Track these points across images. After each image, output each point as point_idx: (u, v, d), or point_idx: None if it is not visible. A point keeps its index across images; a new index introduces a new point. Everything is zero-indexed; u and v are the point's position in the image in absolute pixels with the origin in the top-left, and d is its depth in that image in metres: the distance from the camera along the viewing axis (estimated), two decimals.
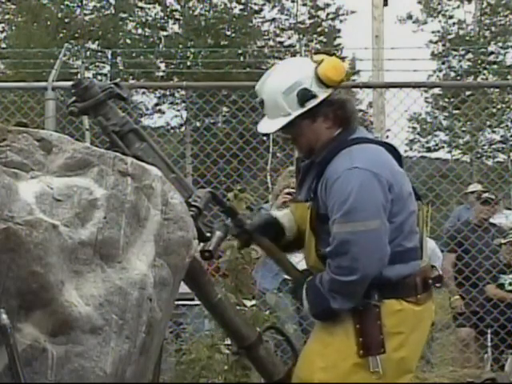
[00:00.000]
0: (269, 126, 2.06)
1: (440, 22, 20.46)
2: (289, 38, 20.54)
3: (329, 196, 1.95)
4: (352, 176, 1.92)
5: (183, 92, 15.61)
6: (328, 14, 20.36)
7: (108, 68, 18.32)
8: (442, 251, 4.85)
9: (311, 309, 2.01)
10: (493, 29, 19.72)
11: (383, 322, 1.93)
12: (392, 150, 2.07)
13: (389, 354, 1.93)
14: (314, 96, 1.98)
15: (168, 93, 18.27)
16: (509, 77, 17.50)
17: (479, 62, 18.75)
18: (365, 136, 2.08)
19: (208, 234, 1.90)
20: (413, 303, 1.98)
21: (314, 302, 1.99)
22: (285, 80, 2.01)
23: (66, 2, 19.00)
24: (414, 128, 18.48)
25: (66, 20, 18.57)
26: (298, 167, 2.17)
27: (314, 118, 2.01)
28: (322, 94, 1.99)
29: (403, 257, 1.97)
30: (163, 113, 18.97)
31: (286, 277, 2.71)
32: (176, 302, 1.87)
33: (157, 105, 19.04)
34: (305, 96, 1.98)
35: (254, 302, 3.39)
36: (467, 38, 19.76)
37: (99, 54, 18.80)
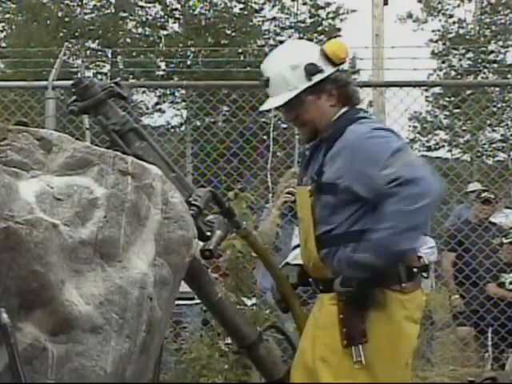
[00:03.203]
0: (274, 101, 2.08)
1: (440, 20, 20.44)
2: (289, 36, 20.50)
3: (355, 157, 1.96)
4: (380, 132, 2.01)
5: (183, 91, 15.60)
6: (328, 13, 20.32)
7: (108, 67, 18.29)
8: (443, 250, 4.85)
9: (384, 262, 1.93)
10: (493, 28, 19.70)
11: (367, 312, 1.93)
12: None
13: (376, 343, 1.92)
14: (321, 71, 2.05)
15: (168, 92, 18.27)
16: (509, 76, 17.44)
17: (479, 60, 18.74)
18: (369, 116, 2.15)
19: (208, 233, 1.90)
20: (398, 292, 1.98)
21: (383, 256, 1.91)
22: (292, 55, 2.08)
23: (66, 1, 18.98)
24: (415, 127, 18.46)
25: (66, 19, 18.55)
26: (303, 153, 2.22)
27: (318, 95, 2.06)
28: (328, 70, 2.06)
29: None
30: (163, 112, 18.96)
31: None
32: (176, 302, 1.87)
33: (157, 104, 19.02)
34: (312, 70, 2.04)
35: (254, 300, 3.39)
36: (467, 36, 19.75)
37: (99, 53, 18.78)
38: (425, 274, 2.04)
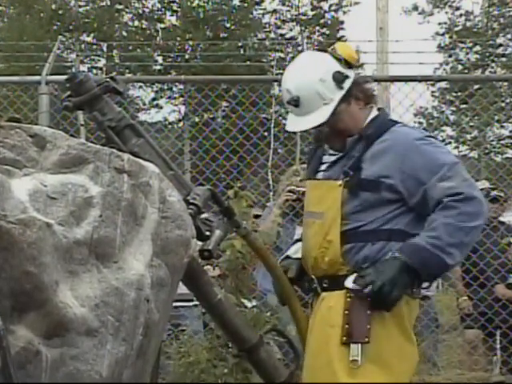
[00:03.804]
0: (313, 118, 2.04)
1: (447, 13, 20.28)
2: (290, 30, 20.46)
3: (407, 159, 1.97)
4: (434, 141, 2.06)
5: (181, 86, 15.59)
6: (331, 5, 20.22)
7: (103, 61, 18.26)
8: None
9: (433, 273, 1.97)
10: (501, 20, 19.52)
11: (379, 313, 1.92)
12: None
13: (384, 344, 1.92)
14: (347, 76, 2.05)
15: (166, 87, 18.23)
16: None
17: (487, 54, 18.65)
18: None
19: (207, 233, 1.87)
20: (408, 296, 1.97)
21: (431, 265, 1.93)
22: (316, 69, 2.05)
23: None
24: (420, 123, 18.34)
25: (60, 12, 18.47)
26: (313, 150, 2.20)
27: (348, 101, 2.06)
28: (351, 74, 2.07)
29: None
30: (161, 107, 18.94)
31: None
32: (174, 304, 1.84)
33: (154, 99, 18.99)
34: (340, 78, 2.04)
35: (254, 303, 3.35)
36: (475, 29, 19.62)
37: (94, 46, 18.73)
38: (425, 284, 2.02)
